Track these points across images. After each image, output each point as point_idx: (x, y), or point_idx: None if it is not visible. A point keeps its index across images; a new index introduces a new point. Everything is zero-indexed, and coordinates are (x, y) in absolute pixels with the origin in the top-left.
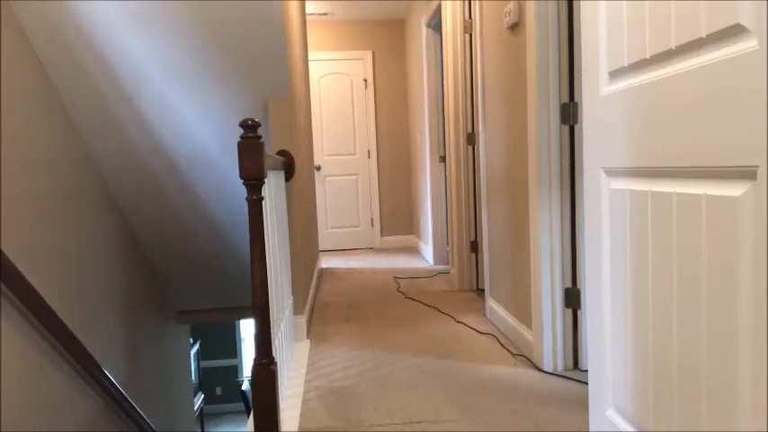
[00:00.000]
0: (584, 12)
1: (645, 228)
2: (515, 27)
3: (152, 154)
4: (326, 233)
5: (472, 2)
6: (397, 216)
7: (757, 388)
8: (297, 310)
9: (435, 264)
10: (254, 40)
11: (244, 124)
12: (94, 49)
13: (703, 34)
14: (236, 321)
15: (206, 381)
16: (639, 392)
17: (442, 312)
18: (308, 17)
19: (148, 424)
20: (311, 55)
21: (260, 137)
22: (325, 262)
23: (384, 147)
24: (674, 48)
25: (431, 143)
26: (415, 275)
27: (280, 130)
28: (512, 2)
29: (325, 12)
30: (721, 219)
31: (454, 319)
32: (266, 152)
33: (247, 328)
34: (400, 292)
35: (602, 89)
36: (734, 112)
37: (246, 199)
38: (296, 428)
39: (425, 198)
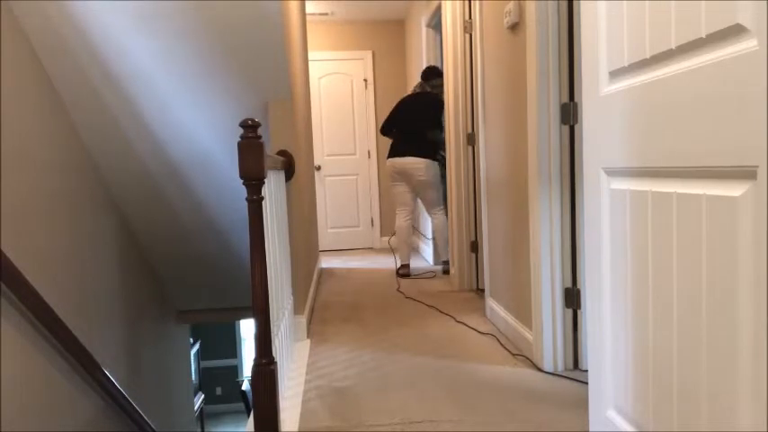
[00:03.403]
0: (584, 12)
1: (645, 228)
2: (515, 27)
3: (152, 154)
4: (326, 233)
5: (472, 2)
6: None
7: (757, 388)
8: (297, 309)
9: (435, 264)
10: (254, 41)
11: (244, 124)
12: (94, 49)
13: (703, 34)
14: (236, 321)
15: (206, 381)
16: (639, 392)
17: (442, 312)
18: (308, 17)
19: (148, 424)
20: (311, 55)
21: (260, 137)
22: (326, 262)
23: (384, 147)
24: (674, 48)
25: None
26: (415, 275)
27: (280, 130)
28: (512, 2)
29: (325, 12)
30: (721, 219)
31: (454, 318)
32: (266, 152)
33: (247, 328)
34: (400, 292)
35: (602, 89)
36: (734, 112)
37: (246, 199)
38: (296, 428)
39: None
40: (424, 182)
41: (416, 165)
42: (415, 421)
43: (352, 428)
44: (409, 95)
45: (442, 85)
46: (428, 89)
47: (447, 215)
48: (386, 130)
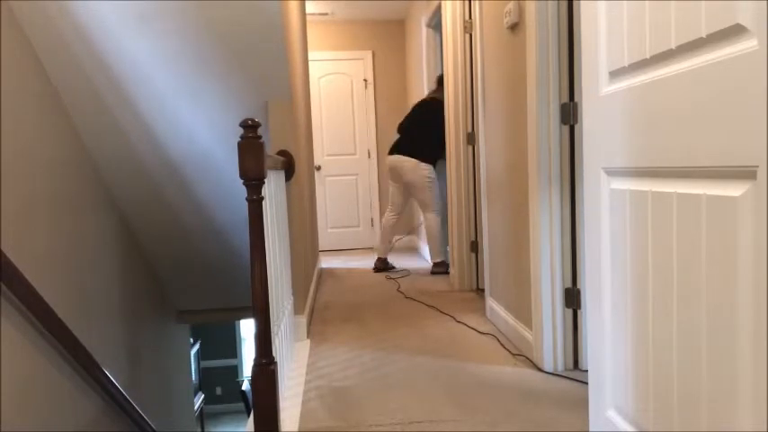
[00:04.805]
0: (584, 12)
1: (645, 228)
2: (515, 27)
3: (152, 154)
4: (326, 233)
5: (472, 2)
6: None
7: (757, 387)
8: (297, 309)
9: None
10: (254, 41)
11: (244, 124)
12: (94, 49)
13: (703, 34)
14: (236, 321)
15: (206, 381)
16: (639, 392)
17: (442, 312)
18: (308, 17)
19: (148, 424)
20: (311, 55)
21: (260, 137)
22: (326, 262)
23: (384, 147)
24: (674, 48)
25: None
26: (414, 275)
27: (280, 130)
28: (512, 2)
29: (325, 12)
30: (721, 219)
31: (454, 318)
32: (266, 152)
33: (247, 328)
34: (400, 292)
35: (602, 89)
36: (734, 112)
37: (246, 199)
38: (296, 428)
39: None
40: (410, 182)
41: (403, 163)
42: (415, 421)
43: (352, 428)
44: (421, 99)
45: None
46: (438, 95)
47: (443, 218)
48: (398, 129)
